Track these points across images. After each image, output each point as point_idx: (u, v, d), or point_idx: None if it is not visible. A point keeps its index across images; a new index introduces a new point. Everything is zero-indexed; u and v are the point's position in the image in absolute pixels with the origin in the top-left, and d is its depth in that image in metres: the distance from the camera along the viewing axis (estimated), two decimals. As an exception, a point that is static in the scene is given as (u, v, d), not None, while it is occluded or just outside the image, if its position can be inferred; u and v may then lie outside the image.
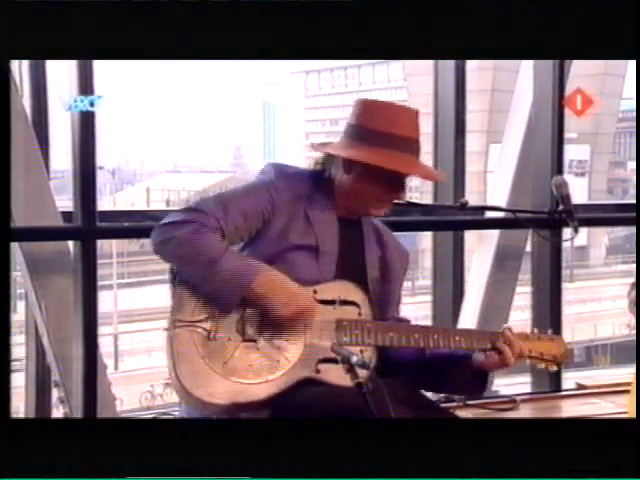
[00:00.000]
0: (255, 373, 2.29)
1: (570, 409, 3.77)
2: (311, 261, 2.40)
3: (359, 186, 2.43)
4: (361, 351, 2.34)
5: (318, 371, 2.33)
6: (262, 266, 2.32)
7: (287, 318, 2.32)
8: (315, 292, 2.37)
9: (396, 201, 2.48)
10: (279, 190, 2.40)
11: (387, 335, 2.38)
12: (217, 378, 2.27)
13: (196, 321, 2.30)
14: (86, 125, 3.41)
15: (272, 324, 2.32)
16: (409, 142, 2.41)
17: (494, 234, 4.13)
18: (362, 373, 2.13)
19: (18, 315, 3.68)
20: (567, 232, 3.62)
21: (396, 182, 2.42)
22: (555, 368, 2.54)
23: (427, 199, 4.12)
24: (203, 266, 2.29)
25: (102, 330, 3.67)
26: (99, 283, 3.54)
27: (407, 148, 2.40)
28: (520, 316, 4.52)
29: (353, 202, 2.45)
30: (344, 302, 2.39)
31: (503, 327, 2.50)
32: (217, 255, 2.29)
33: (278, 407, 2.29)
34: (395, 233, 2.63)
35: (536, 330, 2.55)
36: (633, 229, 3.92)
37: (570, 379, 4.07)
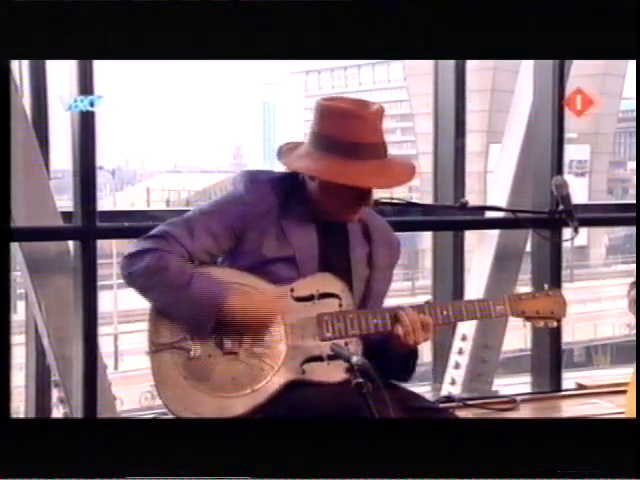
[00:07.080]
0: (240, 385, 2.26)
1: (570, 409, 3.77)
2: (291, 272, 2.32)
3: (325, 195, 2.33)
4: (346, 344, 2.29)
5: (304, 372, 2.29)
6: (229, 284, 2.27)
7: (264, 323, 2.27)
8: (292, 290, 2.32)
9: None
10: (249, 204, 2.32)
11: (371, 322, 2.32)
12: (203, 397, 2.25)
13: (175, 342, 2.26)
14: (86, 125, 3.41)
15: (250, 333, 2.27)
16: (370, 148, 2.28)
17: (494, 234, 4.13)
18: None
19: (18, 315, 3.68)
20: (567, 232, 3.62)
21: (360, 191, 2.31)
22: (555, 324, 2.49)
23: (427, 199, 4.12)
24: (171, 294, 2.25)
25: (102, 330, 3.67)
26: (99, 283, 3.54)
27: (369, 155, 2.27)
28: (520, 316, 4.51)
29: (324, 208, 2.35)
30: (323, 295, 2.33)
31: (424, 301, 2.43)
32: (184, 281, 2.25)
33: (273, 413, 2.27)
34: (395, 233, 2.55)
35: (531, 288, 2.50)
36: (633, 229, 3.91)
37: (570, 379, 4.07)
